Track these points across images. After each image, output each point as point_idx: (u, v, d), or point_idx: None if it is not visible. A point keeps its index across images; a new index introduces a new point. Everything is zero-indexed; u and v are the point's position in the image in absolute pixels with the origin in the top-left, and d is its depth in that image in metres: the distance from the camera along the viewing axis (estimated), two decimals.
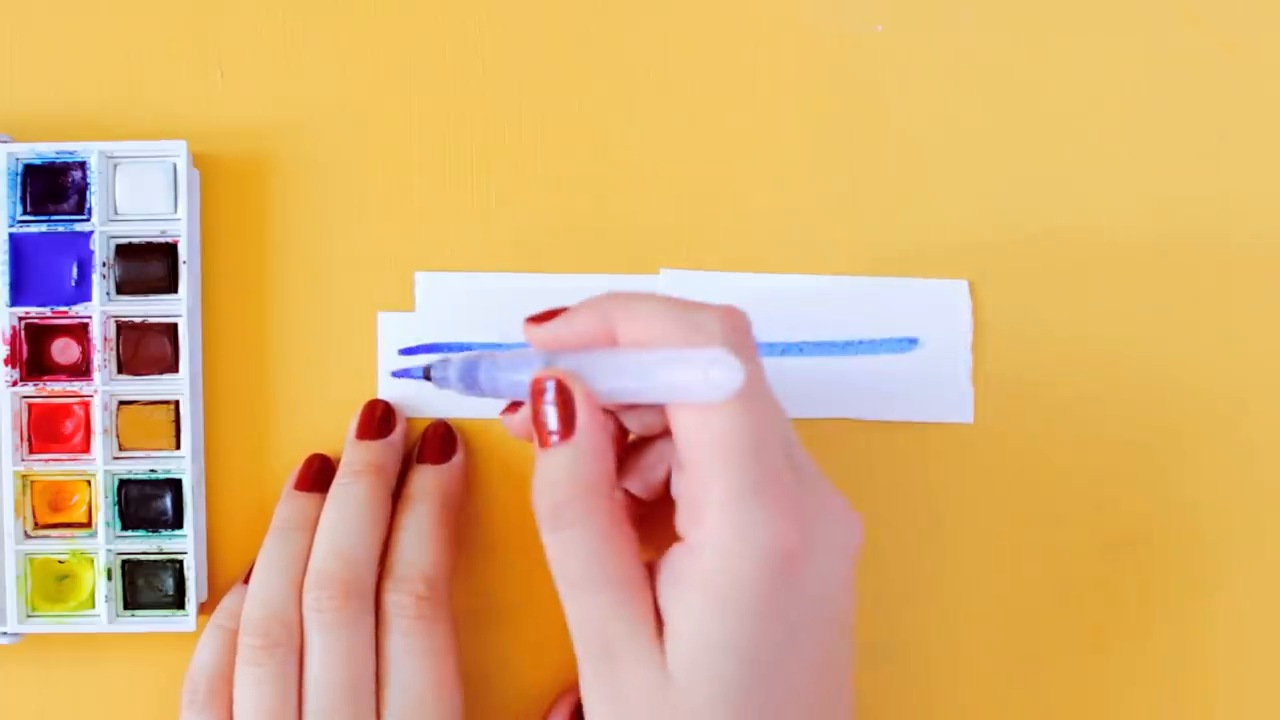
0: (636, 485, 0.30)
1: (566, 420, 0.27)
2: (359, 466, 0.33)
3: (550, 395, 0.27)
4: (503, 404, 0.31)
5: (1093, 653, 0.36)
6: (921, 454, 0.35)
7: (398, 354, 0.35)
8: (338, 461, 0.34)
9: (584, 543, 0.27)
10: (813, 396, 0.35)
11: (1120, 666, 0.36)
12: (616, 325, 0.28)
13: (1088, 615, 0.36)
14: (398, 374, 0.33)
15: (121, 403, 0.34)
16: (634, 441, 0.31)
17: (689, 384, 0.26)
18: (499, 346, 0.35)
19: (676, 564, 0.27)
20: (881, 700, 0.36)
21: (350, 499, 0.33)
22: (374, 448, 0.34)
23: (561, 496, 0.27)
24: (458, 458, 0.34)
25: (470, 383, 0.30)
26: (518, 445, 0.35)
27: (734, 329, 0.27)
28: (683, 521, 0.27)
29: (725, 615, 0.26)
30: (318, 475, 0.34)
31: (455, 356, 0.31)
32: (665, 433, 0.29)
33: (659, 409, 0.29)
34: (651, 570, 0.28)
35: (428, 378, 0.31)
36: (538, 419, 0.28)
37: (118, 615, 0.34)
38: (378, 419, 0.34)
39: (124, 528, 0.34)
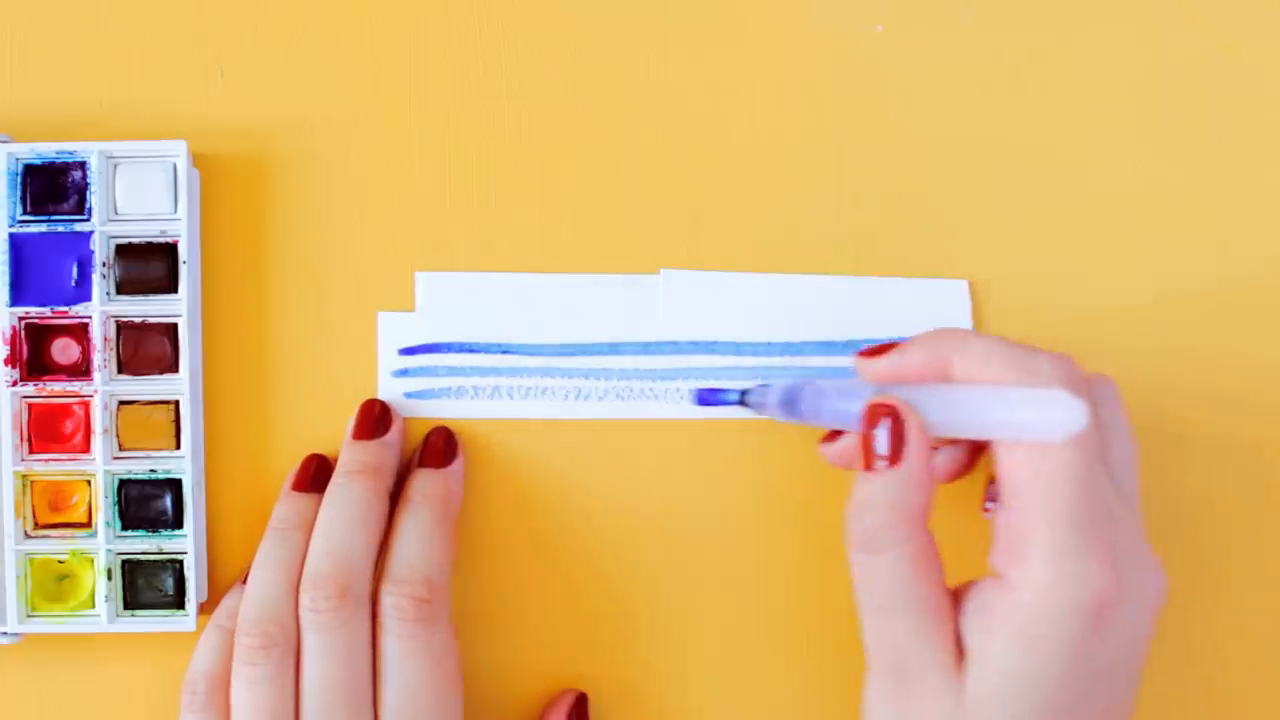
0: None
1: (896, 447, 0.28)
2: (355, 467, 0.33)
3: (884, 421, 0.28)
4: (820, 432, 0.32)
5: None
6: None
7: (398, 354, 0.35)
8: (336, 462, 0.34)
9: (896, 568, 0.28)
10: None
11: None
12: (951, 362, 0.29)
13: None
14: (705, 400, 0.33)
15: (121, 403, 0.34)
16: None
17: (1029, 423, 0.27)
18: (500, 347, 0.35)
19: (988, 598, 0.28)
20: None
21: (346, 499, 0.32)
22: (370, 448, 0.34)
23: (879, 521, 0.28)
24: (458, 463, 0.34)
25: (791, 409, 0.31)
26: (517, 453, 0.35)
27: (1070, 374, 0.28)
28: (1000, 558, 0.28)
29: (1034, 654, 0.27)
30: (315, 475, 0.34)
31: (776, 382, 0.32)
32: (963, 474, 0.31)
33: (969, 452, 0.31)
34: (955, 598, 0.29)
35: (742, 403, 0.32)
36: (867, 443, 0.29)
37: (118, 615, 0.34)
38: (375, 418, 0.34)
39: (124, 528, 0.34)
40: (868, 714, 0.29)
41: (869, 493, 0.28)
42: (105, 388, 0.34)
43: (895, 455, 0.28)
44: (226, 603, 0.33)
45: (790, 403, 0.31)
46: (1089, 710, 0.28)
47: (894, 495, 0.28)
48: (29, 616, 0.34)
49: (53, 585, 0.34)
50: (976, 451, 0.31)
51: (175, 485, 0.34)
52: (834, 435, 0.32)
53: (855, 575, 0.29)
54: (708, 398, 0.33)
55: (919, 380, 0.29)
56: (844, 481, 0.35)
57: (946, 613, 0.28)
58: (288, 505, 0.33)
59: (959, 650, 0.28)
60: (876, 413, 0.28)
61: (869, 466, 0.29)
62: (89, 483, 0.34)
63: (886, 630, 0.28)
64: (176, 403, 0.34)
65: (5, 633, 0.34)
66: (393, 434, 0.34)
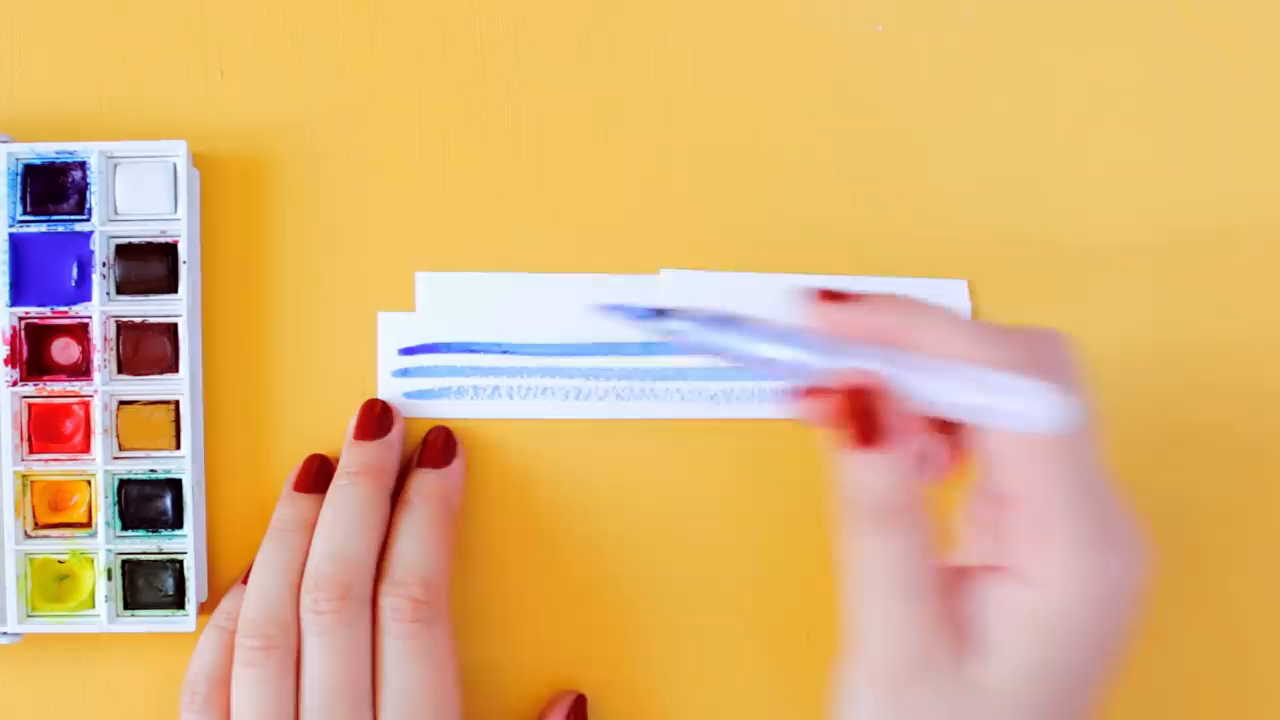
0: None
1: (887, 426, 0.27)
2: (356, 468, 0.33)
3: (862, 399, 0.27)
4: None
5: None
6: None
7: (398, 354, 0.35)
8: (338, 462, 0.34)
9: (910, 548, 0.27)
10: None
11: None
12: (913, 331, 0.27)
13: None
14: (613, 309, 0.29)
15: (121, 403, 0.34)
16: None
17: (1022, 413, 0.26)
18: (500, 347, 0.35)
19: (997, 590, 0.27)
20: None
21: (347, 500, 0.32)
22: (371, 449, 0.34)
23: (890, 501, 0.27)
24: (457, 463, 0.34)
25: (713, 342, 0.27)
26: (517, 452, 0.35)
27: (1036, 357, 0.27)
28: (1011, 553, 0.27)
29: (1052, 646, 0.27)
30: (316, 476, 0.34)
31: (698, 309, 0.28)
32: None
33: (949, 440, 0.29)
34: (955, 587, 0.28)
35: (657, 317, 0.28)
36: (852, 422, 0.27)
37: (118, 615, 0.34)
38: (375, 418, 0.34)
39: (124, 528, 0.34)
40: (848, 708, 0.28)
41: (867, 473, 0.27)
42: (105, 388, 0.34)
43: (887, 435, 0.26)
44: (226, 604, 0.33)
45: (713, 333, 0.27)
46: (1093, 689, 0.28)
47: (895, 475, 0.27)
48: (29, 616, 0.34)
49: (53, 585, 0.34)
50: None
51: (175, 485, 0.34)
52: (811, 393, 0.29)
53: (857, 557, 0.27)
54: (615, 310, 0.29)
55: (879, 340, 0.27)
56: None
57: (948, 599, 0.27)
58: (289, 506, 0.33)
59: (960, 639, 0.27)
60: (860, 387, 0.26)
61: (860, 443, 0.27)
62: (89, 483, 0.34)
63: (895, 615, 0.27)
64: (176, 403, 0.34)
65: (5, 633, 0.34)
66: (394, 434, 0.34)
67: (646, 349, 0.35)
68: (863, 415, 0.27)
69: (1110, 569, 0.27)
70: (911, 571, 0.27)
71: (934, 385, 0.26)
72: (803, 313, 0.28)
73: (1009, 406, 0.26)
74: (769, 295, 0.35)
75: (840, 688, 0.28)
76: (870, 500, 0.27)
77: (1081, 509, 0.26)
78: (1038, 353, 0.27)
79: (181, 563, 0.34)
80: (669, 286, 0.35)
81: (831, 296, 0.28)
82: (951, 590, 0.28)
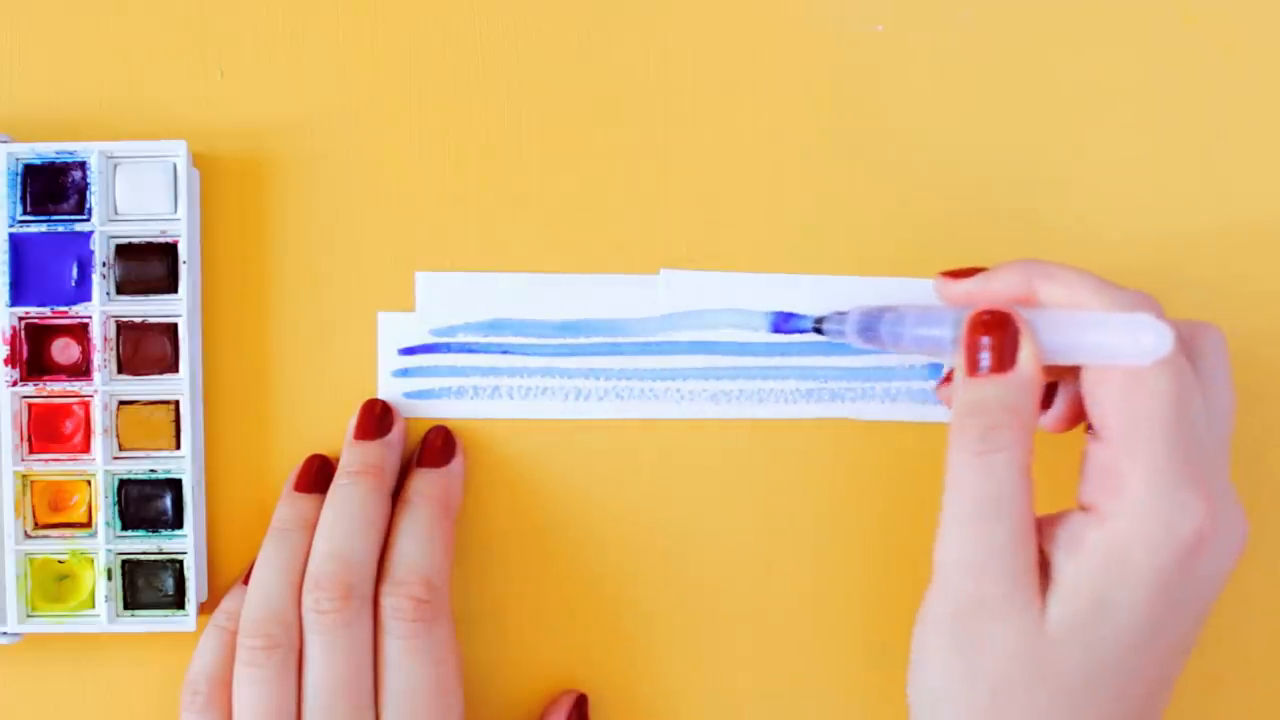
0: None
1: (1010, 352, 0.28)
2: (357, 467, 0.33)
3: (994, 328, 0.28)
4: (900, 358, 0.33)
5: None
6: (921, 454, 0.35)
7: (398, 354, 0.35)
8: (338, 462, 0.34)
9: (1006, 470, 0.27)
10: (813, 396, 0.35)
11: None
12: (1038, 288, 0.28)
13: None
14: (779, 328, 0.34)
15: (121, 403, 0.34)
16: None
17: (1118, 346, 0.27)
18: (500, 347, 0.35)
19: (1078, 529, 0.27)
20: (881, 699, 0.36)
21: (348, 500, 0.33)
22: (371, 448, 0.34)
23: (995, 421, 0.27)
24: (457, 463, 0.34)
25: (870, 335, 0.31)
26: (517, 453, 0.35)
27: (1155, 307, 0.28)
28: (1091, 490, 0.28)
29: (1126, 584, 0.26)
30: (317, 476, 0.34)
31: (852, 309, 0.32)
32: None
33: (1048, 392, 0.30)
34: (1040, 526, 0.28)
35: (817, 330, 0.33)
36: (974, 348, 0.28)
37: (118, 615, 0.34)
38: (376, 418, 0.34)
39: (124, 528, 0.34)
40: (920, 640, 0.29)
41: (983, 392, 0.28)
42: (105, 388, 0.34)
43: (1009, 360, 0.27)
44: (226, 604, 0.33)
45: (869, 329, 0.31)
46: (1160, 644, 0.27)
47: (1010, 397, 0.27)
48: (29, 616, 0.34)
49: (53, 585, 0.34)
50: (1053, 391, 0.31)
51: (175, 485, 0.34)
52: (951, 379, 0.31)
53: (955, 479, 0.28)
54: (781, 324, 0.34)
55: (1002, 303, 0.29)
56: (844, 481, 0.36)
57: (1034, 531, 0.28)
58: (289, 506, 0.34)
59: (1042, 575, 0.27)
60: (983, 317, 0.28)
61: (973, 371, 0.28)
62: (89, 483, 0.34)
63: (979, 538, 0.27)
64: (176, 403, 0.34)
65: (5, 633, 0.34)
66: (394, 434, 0.34)
67: (646, 349, 0.35)
68: (984, 340, 0.28)
69: (1185, 510, 0.26)
70: (1010, 492, 0.27)
71: (1052, 331, 0.28)
72: (937, 295, 0.31)
73: (1109, 340, 0.27)
74: (769, 295, 0.35)
75: (918, 621, 0.29)
76: (985, 419, 0.27)
77: (1165, 442, 0.26)
78: (1150, 301, 0.28)
79: (181, 563, 0.34)
80: (669, 286, 0.35)
81: (953, 273, 0.30)
82: (1040, 532, 0.28)
